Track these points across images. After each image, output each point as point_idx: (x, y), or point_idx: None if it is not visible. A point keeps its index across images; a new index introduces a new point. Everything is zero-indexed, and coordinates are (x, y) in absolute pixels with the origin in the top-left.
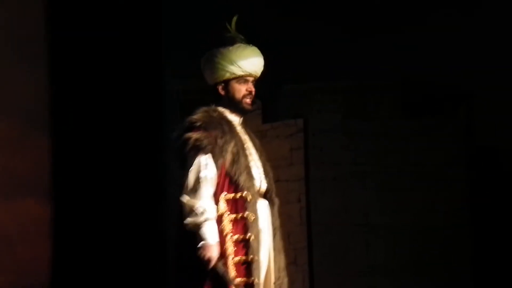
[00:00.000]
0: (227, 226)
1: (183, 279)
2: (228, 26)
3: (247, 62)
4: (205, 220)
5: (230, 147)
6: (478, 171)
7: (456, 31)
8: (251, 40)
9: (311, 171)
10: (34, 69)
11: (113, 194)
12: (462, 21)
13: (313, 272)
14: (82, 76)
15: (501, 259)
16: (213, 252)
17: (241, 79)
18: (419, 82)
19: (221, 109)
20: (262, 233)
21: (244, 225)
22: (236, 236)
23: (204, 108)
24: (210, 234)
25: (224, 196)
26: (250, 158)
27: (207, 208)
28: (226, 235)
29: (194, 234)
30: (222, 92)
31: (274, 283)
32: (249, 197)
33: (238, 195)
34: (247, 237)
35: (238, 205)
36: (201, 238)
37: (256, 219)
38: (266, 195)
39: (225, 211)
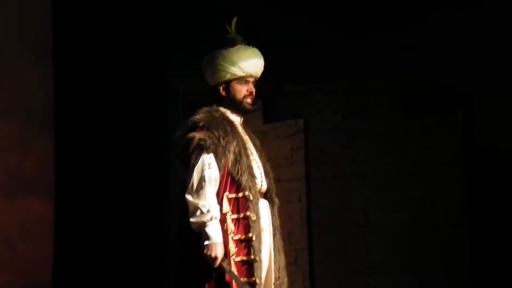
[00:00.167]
0: (230, 225)
1: (184, 278)
2: (228, 28)
3: (248, 63)
4: (210, 219)
5: (233, 147)
6: (477, 170)
7: (456, 31)
8: (251, 40)
9: (311, 171)
10: (40, 70)
11: (115, 193)
12: (462, 21)
13: (313, 272)
14: (86, 76)
15: (500, 258)
16: (218, 251)
17: (242, 80)
18: (419, 82)
19: (222, 109)
20: (263, 233)
21: (246, 225)
22: (238, 236)
23: (206, 108)
24: (215, 233)
25: (226, 195)
26: (251, 158)
27: (211, 207)
28: (229, 234)
29: (198, 233)
30: (223, 93)
31: (274, 283)
32: (251, 197)
33: (240, 194)
34: (249, 237)
35: (240, 205)
36: (206, 237)
37: (257, 219)
38: (266, 195)
39: (228, 211)
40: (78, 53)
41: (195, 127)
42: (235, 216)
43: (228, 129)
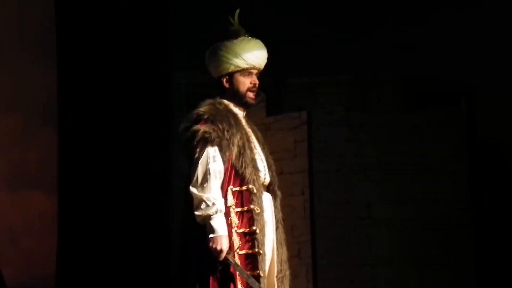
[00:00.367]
0: (234, 218)
1: (189, 271)
2: (232, 19)
3: (251, 55)
4: (215, 212)
5: (237, 140)
6: (480, 164)
7: (459, 26)
8: (255, 33)
9: (314, 164)
10: (43, 66)
11: (118, 188)
12: (464, 16)
13: (316, 265)
14: (89, 71)
15: (503, 252)
16: (223, 244)
17: (245, 71)
18: (422, 76)
19: (226, 101)
20: (267, 226)
21: (249, 218)
22: (242, 229)
23: (210, 101)
24: (220, 226)
25: (231, 189)
26: (255, 151)
27: (216, 200)
28: (233, 228)
29: (203, 227)
30: (227, 85)
31: (277, 276)
32: (254, 190)
33: (244, 188)
34: (253, 230)
35: (244, 198)
36: (211, 230)
37: (261, 212)
38: (269, 188)
39: (233, 204)
40: (81, 48)
41: (199, 120)
42: (239, 209)
43: (232, 121)
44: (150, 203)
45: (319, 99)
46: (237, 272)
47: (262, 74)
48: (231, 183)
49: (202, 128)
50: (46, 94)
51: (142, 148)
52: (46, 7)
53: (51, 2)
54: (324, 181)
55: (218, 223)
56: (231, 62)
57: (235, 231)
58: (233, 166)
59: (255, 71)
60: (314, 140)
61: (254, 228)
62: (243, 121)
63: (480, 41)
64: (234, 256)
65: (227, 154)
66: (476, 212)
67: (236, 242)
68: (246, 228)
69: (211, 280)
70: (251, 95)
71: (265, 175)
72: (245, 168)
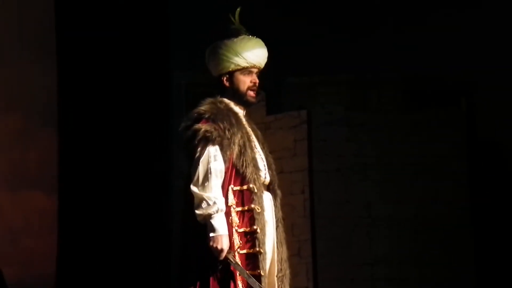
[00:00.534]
0: (235, 218)
1: (189, 271)
2: (232, 18)
3: (252, 54)
4: (216, 212)
5: (237, 139)
6: (480, 164)
7: (459, 26)
8: (255, 33)
9: (314, 163)
10: (43, 65)
11: (118, 187)
12: (464, 16)
13: (316, 264)
14: (89, 71)
15: (503, 250)
16: (224, 243)
17: (246, 70)
18: (422, 76)
19: (226, 100)
20: (267, 226)
21: (250, 218)
22: (242, 229)
23: (211, 100)
24: (221, 225)
25: (231, 188)
26: (255, 150)
27: (217, 199)
28: (233, 227)
29: (204, 226)
30: (227, 84)
31: (277, 275)
32: (255, 189)
33: (245, 187)
34: (253, 230)
35: (244, 198)
36: (212, 229)
37: (262, 212)
38: (269, 187)
39: (233, 204)
40: (81, 48)
41: (200, 119)
42: (239, 208)
43: (233, 120)
44: (150, 202)
45: (319, 99)
46: (238, 272)
47: (262, 73)
48: (232, 182)
49: (203, 127)
50: (46, 94)
51: (142, 148)
52: (46, 7)
53: (51, 2)
54: (324, 181)
55: (219, 222)
56: (231, 60)
57: (236, 230)
58: (233, 165)
59: (255, 70)
60: (314, 139)
61: (254, 227)
62: (244, 120)
63: (480, 41)
64: (234, 256)
65: (228, 153)
66: (476, 211)
67: (237, 241)
68: (246, 228)
69: (211, 280)
70: (251, 93)
71: (265, 175)
72: (245, 167)
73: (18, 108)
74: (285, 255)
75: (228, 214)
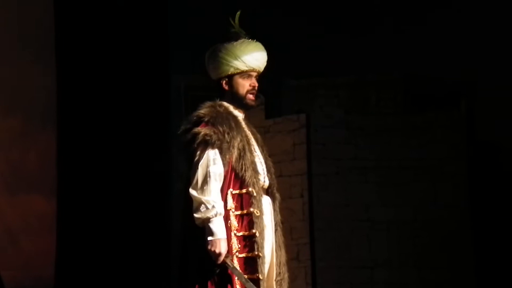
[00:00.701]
0: (234, 222)
1: (187, 274)
2: (232, 22)
3: (251, 57)
4: (215, 215)
5: (237, 143)
6: (479, 166)
7: (458, 27)
8: (254, 35)
9: (313, 166)
10: (42, 67)
11: (117, 189)
12: (463, 18)
13: (315, 267)
14: (88, 72)
15: (502, 252)
16: (222, 247)
17: (245, 74)
18: (421, 77)
19: (226, 104)
20: (266, 229)
21: (249, 221)
22: (241, 233)
23: (210, 103)
24: (219, 229)
25: (231, 192)
26: (254, 153)
27: (216, 203)
28: (232, 231)
29: (202, 229)
30: (226, 87)
31: (275, 279)
32: (254, 193)
33: (244, 191)
34: (252, 233)
35: (243, 201)
36: (210, 233)
37: (261, 215)
38: (268, 191)
39: (232, 207)
40: (80, 49)
41: (199, 122)
42: (238, 212)
43: (233, 124)
44: (149, 205)
45: (318, 102)
46: (236, 276)
47: (262, 77)
48: (231, 186)
49: (202, 130)
50: (45, 95)
51: (141, 150)
52: (46, 8)
53: (50, 3)
54: (323, 184)
55: (217, 226)
56: (230, 64)
57: (235, 234)
58: (233, 169)
59: (254, 74)
60: (313, 142)
61: (253, 231)
62: (243, 124)
63: (480, 42)
64: (232, 260)
65: (227, 157)
66: (475, 213)
67: (235, 245)
68: (245, 231)
69: (209, 283)
70: (250, 97)
71: (264, 178)
72: (245, 171)
73: (17, 109)
74: (283, 258)
75: (227, 217)
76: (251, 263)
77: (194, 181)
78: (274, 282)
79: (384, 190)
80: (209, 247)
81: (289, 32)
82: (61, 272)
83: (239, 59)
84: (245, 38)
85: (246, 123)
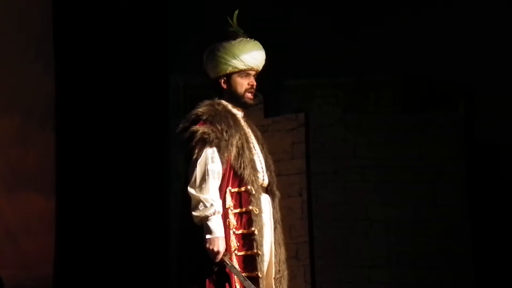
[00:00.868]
0: (232, 220)
1: (186, 272)
2: (230, 20)
3: (249, 56)
4: (213, 214)
5: (235, 141)
6: (478, 166)
7: (458, 28)
8: (252, 34)
9: (312, 165)
10: (41, 67)
11: (116, 188)
12: (463, 17)
13: (314, 266)
14: (87, 71)
15: (501, 251)
16: (220, 246)
17: (243, 73)
18: (419, 77)
19: (224, 102)
20: (265, 227)
21: (248, 219)
22: (240, 231)
23: (209, 102)
24: (217, 227)
25: (229, 190)
26: (253, 151)
27: (214, 201)
28: (230, 229)
29: (201, 227)
30: (224, 86)
31: (275, 276)
32: (253, 191)
33: (243, 189)
34: (251, 231)
35: (242, 199)
36: (208, 231)
37: (260, 213)
38: (267, 188)
39: (231, 205)
40: (79, 49)
41: (198, 120)
42: (237, 210)
43: (231, 122)
44: (148, 204)
45: (316, 101)
46: (234, 275)
47: (260, 76)
48: (230, 184)
49: (200, 128)
50: (44, 95)
51: (140, 150)
52: (44, 9)
53: (49, 4)
54: (321, 183)
55: (215, 225)
56: (229, 63)
57: (233, 232)
58: (231, 167)
59: (253, 72)
60: (311, 141)
61: (252, 229)
62: (242, 122)
63: (479, 44)
64: (231, 258)
65: (225, 155)
66: (474, 214)
67: (234, 243)
68: (244, 229)
69: (207, 282)
70: (249, 95)
71: (263, 176)
72: (243, 169)
73: (16, 109)
74: (283, 256)
75: (225, 216)
76: (250, 261)
77: (193, 179)
78: (273, 280)
79: (382, 189)
80: (207, 245)
81: (288, 31)
82: (60, 270)
83: (237, 58)
84: (243, 37)
85: (245, 121)
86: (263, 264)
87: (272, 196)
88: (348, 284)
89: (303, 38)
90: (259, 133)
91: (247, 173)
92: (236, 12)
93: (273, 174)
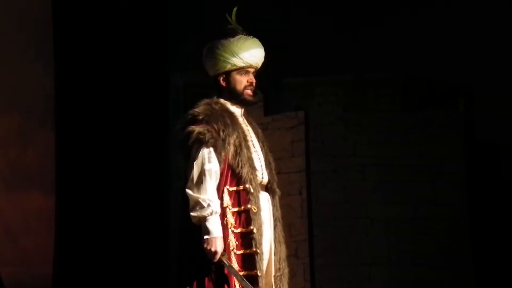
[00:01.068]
0: (231, 219)
1: (185, 272)
2: (229, 18)
3: (248, 54)
4: (211, 214)
5: (233, 140)
6: (478, 165)
7: (458, 26)
8: (252, 32)
9: (312, 164)
10: (41, 65)
11: (116, 187)
12: (463, 17)
13: (313, 264)
14: (86, 70)
15: (501, 250)
16: (218, 246)
17: (242, 70)
18: (420, 76)
19: (222, 101)
20: (264, 226)
21: (246, 218)
22: (239, 229)
23: (206, 101)
24: (215, 227)
25: (227, 189)
26: (252, 149)
27: (212, 201)
28: (229, 228)
29: (199, 227)
30: (223, 84)
31: (275, 275)
32: (251, 190)
33: (241, 187)
34: (250, 230)
35: (240, 198)
36: (206, 232)
37: (258, 212)
38: (267, 186)
39: (229, 204)
40: (79, 49)
41: (194, 121)
42: (235, 209)
43: (228, 121)
44: (148, 203)
45: (316, 99)
46: (232, 275)
47: (260, 74)
48: (228, 183)
49: (196, 129)
50: (43, 94)
51: (140, 148)
52: (44, 8)
53: (48, 3)
54: (321, 181)
55: (213, 225)
56: (228, 60)
57: (232, 231)
58: (229, 166)
59: (252, 70)
60: (311, 140)
61: (251, 227)
62: (240, 120)
63: (479, 42)
64: (229, 258)
65: (222, 154)
66: (474, 212)
67: (233, 242)
68: (243, 228)
69: (206, 281)
70: (248, 92)
71: (262, 174)
72: (241, 167)
73: (16, 109)
74: (283, 254)
75: (223, 215)
76: (249, 260)
77: (190, 180)
78: (272, 278)
79: (382, 188)
80: (205, 245)
81: (288, 29)
82: (59, 269)
83: (236, 56)
84: (242, 34)
85: (245, 119)
86: (262, 263)
87: (272, 194)
88: (348, 282)
89: (303, 38)
90: (259, 130)
91: (245, 171)
92: (235, 9)
93: (273, 171)
